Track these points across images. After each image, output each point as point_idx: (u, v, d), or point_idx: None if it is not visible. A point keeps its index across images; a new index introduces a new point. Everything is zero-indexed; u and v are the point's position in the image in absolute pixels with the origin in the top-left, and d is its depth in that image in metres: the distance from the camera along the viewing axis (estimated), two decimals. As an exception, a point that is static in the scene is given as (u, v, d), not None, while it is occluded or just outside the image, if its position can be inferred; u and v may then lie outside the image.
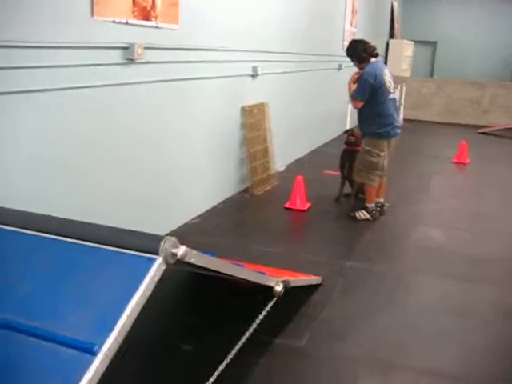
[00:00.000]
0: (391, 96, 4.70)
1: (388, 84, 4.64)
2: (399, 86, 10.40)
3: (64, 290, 1.40)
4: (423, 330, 3.01)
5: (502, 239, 4.55)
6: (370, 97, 4.59)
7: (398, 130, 4.82)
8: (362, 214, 4.88)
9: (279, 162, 6.48)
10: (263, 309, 2.42)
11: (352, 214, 4.92)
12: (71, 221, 1.58)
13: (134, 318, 1.32)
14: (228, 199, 5.28)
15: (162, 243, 1.43)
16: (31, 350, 1.26)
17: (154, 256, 1.42)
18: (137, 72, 3.62)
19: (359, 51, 4.71)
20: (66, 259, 1.45)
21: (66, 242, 1.47)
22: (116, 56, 3.41)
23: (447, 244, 4.39)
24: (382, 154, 4.73)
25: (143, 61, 3.62)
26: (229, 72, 5.00)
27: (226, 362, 2.10)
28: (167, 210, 4.22)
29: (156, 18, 3.73)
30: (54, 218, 1.62)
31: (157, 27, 3.76)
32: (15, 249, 1.53)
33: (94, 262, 1.44)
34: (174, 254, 1.45)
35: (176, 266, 1.51)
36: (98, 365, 1.22)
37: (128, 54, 3.46)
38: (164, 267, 1.43)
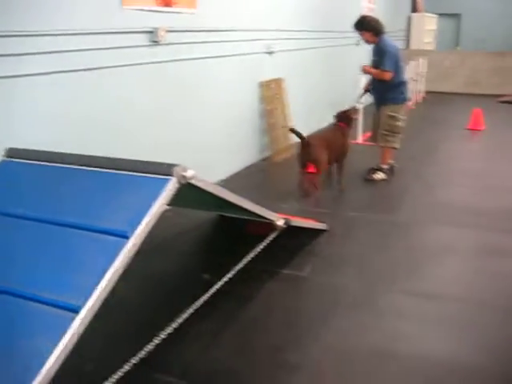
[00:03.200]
0: (402, 62, 5.28)
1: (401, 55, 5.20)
2: (420, 60, 10.68)
3: (102, 203, 2.00)
4: (414, 264, 3.49)
5: (499, 193, 4.96)
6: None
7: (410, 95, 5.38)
8: (379, 175, 5.36)
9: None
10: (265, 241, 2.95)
11: (368, 177, 5.38)
12: (103, 157, 2.20)
13: (155, 219, 1.90)
14: (251, 165, 5.85)
15: (174, 168, 2.00)
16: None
17: (169, 177, 1.99)
18: (161, 52, 4.19)
19: (376, 25, 5.13)
20: (99, 183, 2.06)
21: (94, 170, 2.11)
22: (143, 39, 3.99)
23: (448, 198, 4.83)
24: (404, 117, 5.30)
25: (166, 42, 4.18)
26: (246, 50, 5.52)
27: (228, 275, 2.61)
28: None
29: (177, 4, 4.28)
30: (88, 155, 2.24)
31: (177, 12, 4.31)
32: (53, 178, 2.16)
33: (122, 183, 2.03)
34: (184, 176, 2.01)
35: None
36: (129, 247, 1.81)
37: (153, 37, 4.03)
38: (177, 185, 2.00)
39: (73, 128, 3.44)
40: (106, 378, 1.95)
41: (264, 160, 6.10)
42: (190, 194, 2.28)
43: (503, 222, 4.20)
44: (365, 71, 5.28)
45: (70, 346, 1.58)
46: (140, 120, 4.07)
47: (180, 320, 2.39)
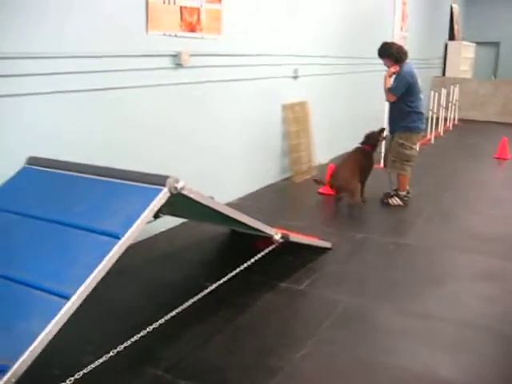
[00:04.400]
0: (421, 95, 5.38)
1: (419, 83, 5.33)
2: (451, 87, 10.73)
3: (101, 207, 2.25)
4: (413, 286, 3.59)
5: (505, 221, 5.00)
6: (405, 93, 5.20)
7: (425, 126, 5.48)
8: (395, 201, 5.47)
9: (323, 156, 7.19)
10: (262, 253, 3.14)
11: (385, 201, 5.51)
12: (106, 167, 2.48)
13: (145, 223, 2.14)
14: (270, 185, 6.06)
15: (167, 179, 2.24)
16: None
17: (162, 187, 2.23)
18: (184, 75, 4.48)
19: (397, 52, 5.27)
20: (100, 190, 2.32)
21: (98, 179, 2.37)
22: (167, 62, 4.29)
23: (460, 225, 4.91)
24: (415, 146, 5.41)
25: (190, 65, 4.47)
26: (270, 74, 5.78)
27: (223, 279, 2.82)
28: (213, 192, 5.05)
29: (201, 30, 4.58)
30: (94, 166, 2.53)
31: (202, 38, 4.61)
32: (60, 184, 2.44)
33: (121, 191, 2.28)
34: (176, 187, 2.25)
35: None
36: (120, 246, 2.05)
37: (177, 60, 4.32)
38: (168, 195, 2.23)
39: (97, 145, 3.74)
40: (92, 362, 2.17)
41: (285, 180, 6.31)
42: (185, 205, 2.51)
43: (509, 250, 4.26)
44: (386, 76, 5.33)
45: (59, 327, 1.83)
46: (161, 138, 4.34)
47: (173, 319, 2.59)
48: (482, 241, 4.45)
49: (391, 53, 5.28)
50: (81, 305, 2.00)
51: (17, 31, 3.12)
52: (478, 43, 14.93)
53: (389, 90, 5.27)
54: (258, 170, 5.87)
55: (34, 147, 3.13)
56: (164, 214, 3.49)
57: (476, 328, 3.04)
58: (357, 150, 5.52)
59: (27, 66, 3.20)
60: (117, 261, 2.16)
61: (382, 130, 5.61)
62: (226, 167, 5.26)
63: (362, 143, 5.53)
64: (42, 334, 1.78)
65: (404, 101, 5.24)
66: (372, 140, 5.49)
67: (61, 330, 1.93)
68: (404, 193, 5.49)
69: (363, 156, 5.43)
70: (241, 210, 3.28)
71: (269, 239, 3.35)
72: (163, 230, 4.39)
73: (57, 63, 3.37)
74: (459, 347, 2.84)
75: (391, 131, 5.50)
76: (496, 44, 15.57)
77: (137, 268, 3.71)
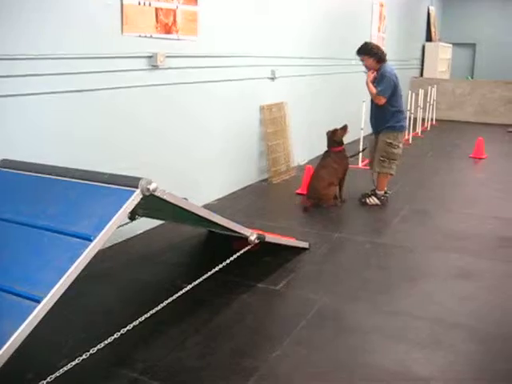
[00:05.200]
0: (402, 93, 5.44)
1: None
2: (429, 88, 10.87)
3: (74, 209, 2.25)
4: (389, 284, 3.64)
5: (486, 220, 5.08)
6: (390, 94, 5.22)
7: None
8: (372, 200, 5.52)
9: (301, 156, 7.22)
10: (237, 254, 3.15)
11: (363, 200, 5.56)
12: (78, 169, 2.48)
13: (117, 225, 2.14)
14: (248, 186, 6.07)
15: (140, 181, 2.24)
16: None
17: (134, 189, 2.23)
18: (160, 76, 4.47)
19: (379, 52, 5.28)
20: (72, 192, 2.33)
21: (71, 181, 2.37)
22: (142, 63, 4.28)
23: (436, 223, 4.97)
24: (401, 145, 5.46)
25: (165, 67, 4.46)
26: (247, 75, 5.80)
27: (199, 280, 2.83)
28: (190, 193, 5.04)
29: (177, 31, 4.57)
30: (66, 167, 2.53)
31: (178, 39, 4.60)
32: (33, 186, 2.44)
33: (93, 193, 2.28)
34: (148, 189, 2.25)
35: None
36: (91, 248, 2.04)
37: (152, 62, 4.31)
38: (141, 196, 2.24)
39: (73, 144, 3.72)
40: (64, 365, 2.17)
41: (263, 181, 6.32)
42: (160, 206, 2.51)
43: (485, 248, 4.33)
44: (368, 82, 5.29)
45: (30, 329, 1.83)
46: (137, 139, 4.33)
47: (149, 321, 2.58)
48: (457, 239, 4.52)
49: (375, 52, 5.27)
50: (54, 307, 2.00)
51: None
52: (454, 44, 15.15)
53: (378, 94, 5.23)
54: (236, 171, 5.88)
55: (6, 149, 3.11)
56: (140, 215, 3.48)
57: (450, 325, 3.09)
58: (328, 154, 5.44)
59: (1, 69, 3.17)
60: (92, 263, 2.16)
61: (345, 126, 5.45)
62: (204, 168, 5.26)
63: (331, 146, 5.43)
64: (14, 336, 1.77)
65: (389, 101, 5.27)
66: (339, 140, 5.40)
67: (34, 332, 1.92)
68: (382, 192, 5.54)
69: (336, 159, 5.37)
70: (219, 211, 3.32)
71: (246, 240, 3.36)
72: (140, 231, 4.38)
73: (31, 65, 3.35)
74: (434, 345, 2.88)
75: (375, 131, 5.53)
76: (472, 45, 15.81)
77: (113, 270, 3.70)
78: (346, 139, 5.60)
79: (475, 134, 9.01)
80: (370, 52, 5.27)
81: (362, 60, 5.35)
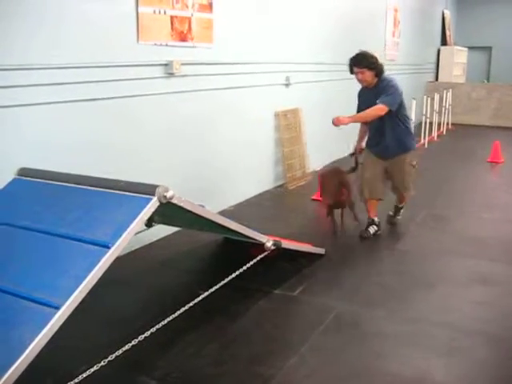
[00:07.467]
0: None
1: None
2: (445, 92, 10.80)
3: (91, 217, 2.27)
4: (405, 290, 3.61)
5: (503, 225, 5.03)
6: (399, 109, 4.36)
7: None
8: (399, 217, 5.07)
9: (317, 162, 7.21)
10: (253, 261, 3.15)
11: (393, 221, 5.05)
12: (96, 177, 2.51)
13: (134, 232, 2.15)
14: (264, 192, 6.07)
15: (157, 189, 2.26)
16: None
17: (151, 196, 2.25)
18: (176, 83, 4.50)
19: (378, 64, 4.36)
20: (90, 200, 2.35)
21: (88, 189, 2.40)
22: (158, 71, 4.31)
23: (453, 228, 4.93)
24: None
25: (181, 74, 4.50)
26: (262, 82, 5.81)
27: (216, 287, 2.83)
28: (206, 200, 5.06)
29: (192, 39, 4.61)
30: (83, 175, 2.56)
31: (193, 46, 4.64)
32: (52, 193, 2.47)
33: (111, 201, 2.30)
34: (165, 196, 2.27)
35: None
36: (109, 256, 2.06)
37: (168, 69, 4.35)
38: (158, 204, 2.25)
39: (89, 152, 3.76)
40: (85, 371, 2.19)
41: (278, 187, 6.32)
42: (176, 214, 2.52)
43: (503, 253, 4.28)
44: (338, 122, 4.46)
45: (49, 337, 1.84)
46: (155, 146, 4.37)
47: (166, 328, 2.59)
48: (476, 245, 4.47)
49: (373, 62, 4.32)
50: (74, 314, 2.02)
51: (8, 43, 3.14)
52: (470, 48, 15.03)
53: (383, 103, 4.23)
54: (252, 177, 5.89)
55: (24, 158, 3.15)
56: (157, 222, 3.50)
57: (469, 332, 3.05)
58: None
59: (19, 78, 3.21)
60: (110, 270, 2.18)
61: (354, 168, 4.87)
62: (220, 175, 5.28)
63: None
64: (34, 342, 1.79)
65: (400, 115, 4.43)
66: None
67: (53, 339, 1.94)
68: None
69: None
70: (235, 218, 3.30)
71: (262, 246, 3.36)
72: (157, 238, 4.40)
73: (47, 74, 3.39)
74: (452, 352, 2.85)
75: (390, 156, 4.57)
76: (488, 48, 15.68)
77: (130, 277, 3.72)
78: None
79: (491, 138, 8.91)
80: (371, 64, 4.31)
81: (358, 72, 4.38)
